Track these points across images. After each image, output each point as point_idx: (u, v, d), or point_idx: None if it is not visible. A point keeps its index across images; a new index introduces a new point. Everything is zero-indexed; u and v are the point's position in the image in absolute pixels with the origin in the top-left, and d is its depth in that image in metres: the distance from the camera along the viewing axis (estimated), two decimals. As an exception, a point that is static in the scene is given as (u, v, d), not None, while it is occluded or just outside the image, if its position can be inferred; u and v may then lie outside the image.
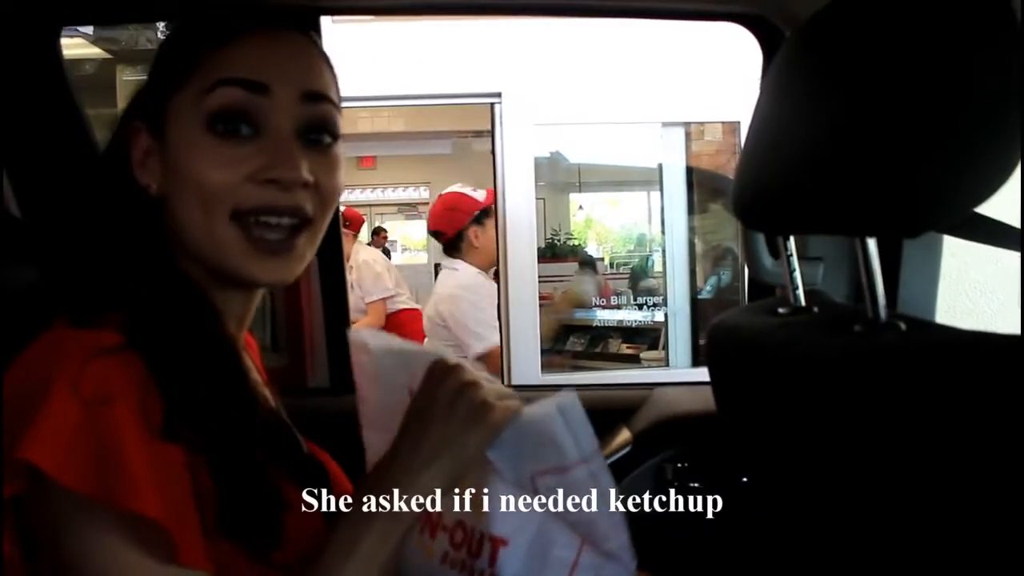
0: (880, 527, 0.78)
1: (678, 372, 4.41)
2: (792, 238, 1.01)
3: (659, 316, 4.77)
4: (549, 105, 3.50)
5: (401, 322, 4.23)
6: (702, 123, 4.24)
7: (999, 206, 0.76)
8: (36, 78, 1.39)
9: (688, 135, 4.63)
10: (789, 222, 0.92)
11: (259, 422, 0.76)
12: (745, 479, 1.47)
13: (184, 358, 0.70)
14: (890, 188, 0.71)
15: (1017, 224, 0.92)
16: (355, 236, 4.58)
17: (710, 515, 1.48)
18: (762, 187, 0.92)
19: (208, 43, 0.78)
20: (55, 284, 0.78)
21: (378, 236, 8.50)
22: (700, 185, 4.68)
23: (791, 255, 1.01)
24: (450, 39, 3.58)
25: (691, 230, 4.86)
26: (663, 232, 4.86)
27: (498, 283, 3.44)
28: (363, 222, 5.37)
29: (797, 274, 1.02)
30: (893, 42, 0.71)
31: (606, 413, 1.58)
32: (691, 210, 4.91)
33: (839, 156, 0.73)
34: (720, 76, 3.49)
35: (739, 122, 3.71)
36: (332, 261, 1.58)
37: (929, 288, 1.40)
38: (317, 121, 0.79)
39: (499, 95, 3.47)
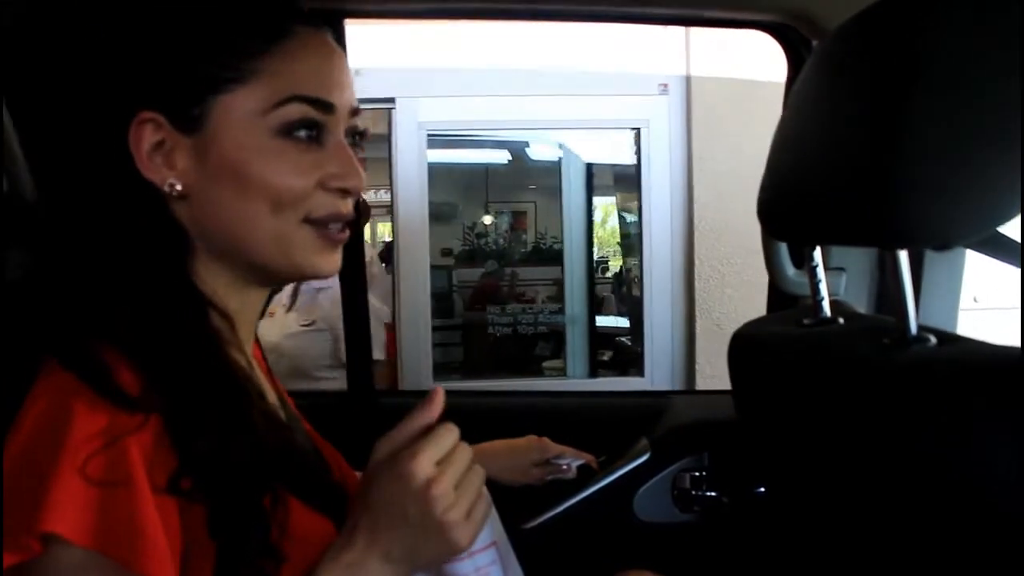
0: (906, 540, 0.78)
1: (575, 383, 4.41)
2: (818, 248, 1.00)
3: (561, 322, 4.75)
4: (441, 111, 3.56)
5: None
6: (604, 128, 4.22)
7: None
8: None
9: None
10: (817, 232, 0.91)
11: (269, 463, 0.73)
12: (764, 489, 1.46)
13: (204, 415, 0.69)
14: (922, 201, 0.70)
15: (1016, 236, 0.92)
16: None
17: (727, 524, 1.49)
18: (789, 197, 0.91)
19: (258, 39, 0.75)
20: (51, 303, 0.72)
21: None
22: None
23: (817, 265, 1.01)
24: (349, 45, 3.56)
25: (590, 232, 4.87)
26: (561, 234, 4.85)
27: (393, 289, 3.51)
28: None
29: (823, 284, 1.01)
30: (923, 53, 0.70)
31: (623, 421, 1.59)
32: (591, 213, 4.90)
33: (869, 167, 0.72)
34: (620, 82, 3.56)
35: (639, 129, 3.72)
36: (352, 264, 1.58)
37: (951, 301, 1.39)
38: (356, 130, 0.83)
39: (392, 101, 3.51)
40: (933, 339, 0.77)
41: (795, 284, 1.35)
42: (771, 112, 3.73)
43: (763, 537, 1.49)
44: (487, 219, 5.55)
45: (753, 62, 3.27)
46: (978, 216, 0.71)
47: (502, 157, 5.31)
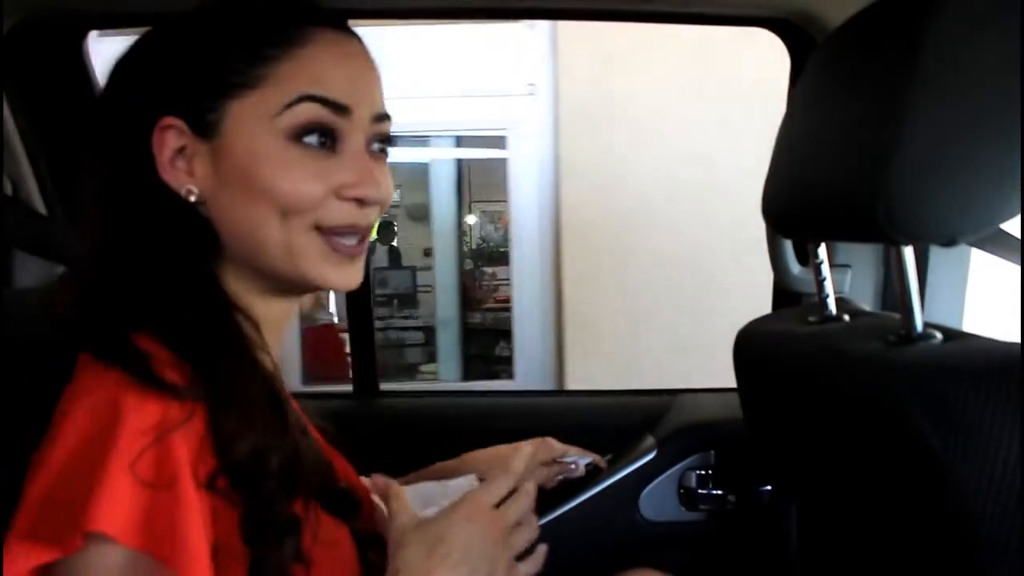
0: (910, 537, 0.77)
1: (448, 387, 4.41)
2: (823, 245, 1.00)
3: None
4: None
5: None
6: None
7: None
8: (63, 81, 1.41)
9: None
10: (821, 229, 0.91)
11: (302, 468, 0.75)
12: (769, 487, 1.46)
13: (247, 411, 0.70)
14: (926, 196, 0.70)
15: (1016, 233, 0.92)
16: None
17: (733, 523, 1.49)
18: (794, 194, 0.91)
19: (272, 44, 0.75)
20: (85, 302, 0.73)
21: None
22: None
23: (822, 262, 1.00)
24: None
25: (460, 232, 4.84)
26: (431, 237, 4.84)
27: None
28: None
29: (828, 282, 1.01)
30: (925, 50, 0.70)
31: (628, 420, 1.58)
32: (461, 211, 4.86)
33: (873, 163, 0.72)
34: (487, 84, 3.56)
35: (504, 136, 3.74)
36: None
37: (956, 297, 1.39)
38: (381, 136, 0.81)
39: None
40: (939, 336, 0.77)
41: (800, 281, 1.35)
42: (643, 111, 3.74)
43: (769, 536, 1.49)
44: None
45: (627, 60, 3.32)
46: (981, 212, 0.71)
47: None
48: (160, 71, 0.76)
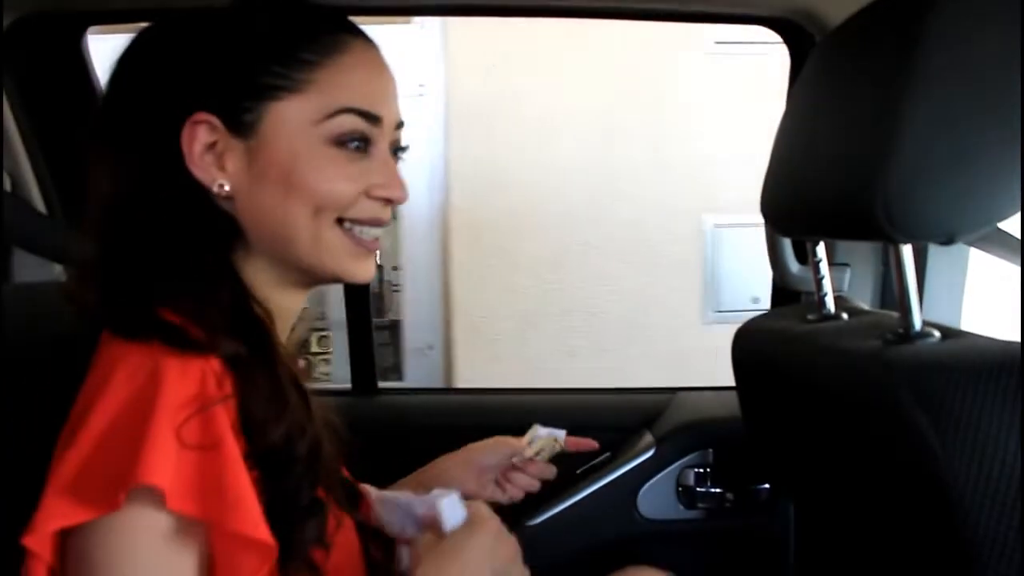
0: (909, 534, 0.78)
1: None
2: (822, 243, 1.00)
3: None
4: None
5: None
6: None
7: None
8: (63, 78, 1.41)
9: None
10: (820, 227, 0.91)
11: (322, 457, 0.78)
12: (767, 485, 1.46)
13: (279, 400, 0.73)
14: (925, 195, 0.70)
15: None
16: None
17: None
18: (793, 192, 0.91)
19: (310, 50, 0.78)
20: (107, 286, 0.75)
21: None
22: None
23: (820, 261, 1.00)
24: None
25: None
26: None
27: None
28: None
29: (827, 280, 1.01)
30: (925, 49, 0.70)
31: (629, 416, 1.58)
32: None
33: (872, 162, 0.72)
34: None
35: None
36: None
37: (954, 296, 1.39)
38: (399, 142, 0.86)
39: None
40: (937, 334, 0.77)
41: (799, 280, 1.35)
42: (534, 112, 3.74)
43: (767, 534, 1.49)
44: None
45: (518, 61, 3.31)
46: (979, 211, 0.71)
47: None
48: (194, 67, 0.78)
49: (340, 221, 0.80)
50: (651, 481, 1.47)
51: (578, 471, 1.51)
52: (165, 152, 0.76)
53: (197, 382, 0.67)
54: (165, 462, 0.63)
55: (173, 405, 0.65)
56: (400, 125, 0.85)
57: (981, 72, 0.70)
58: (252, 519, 0.66)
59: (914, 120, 0.69)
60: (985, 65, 0.70)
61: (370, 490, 0.97)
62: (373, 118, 0.80)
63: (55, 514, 0.62)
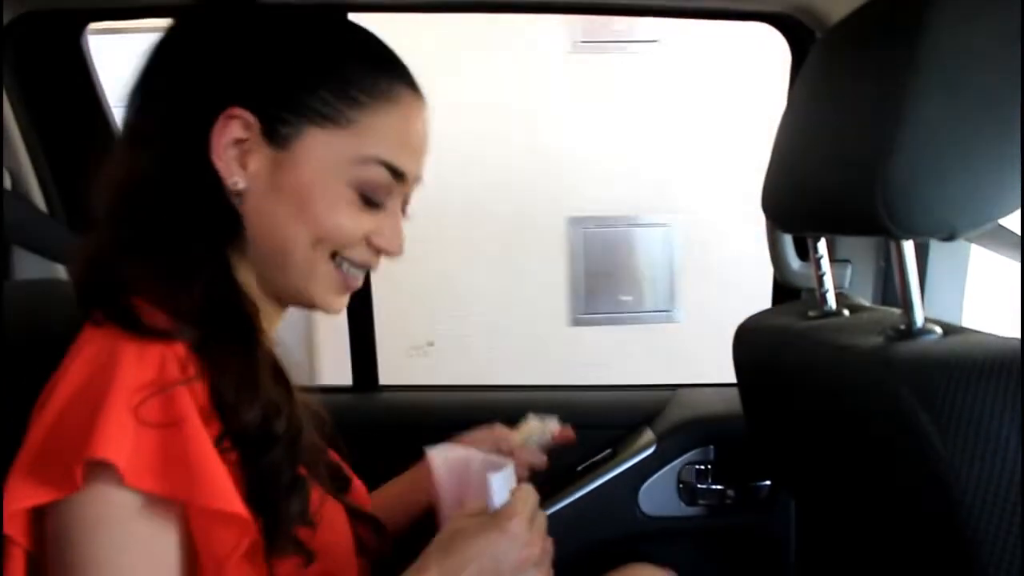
0: (909, 531, 0.78)
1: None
2: (823, 240, 1.00)
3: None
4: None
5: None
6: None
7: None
8: (63, 75, 1.41)
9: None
10: (821, 224, 0.91)
11: (301, 438, 0.78)
12: (768, 482, 1.46)
13: (251, 382, 0.73)
14: (926, 191, 0.70)
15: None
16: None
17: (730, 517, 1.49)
18: (794, 188, 0.91)
19: (364, 90, 0.78)
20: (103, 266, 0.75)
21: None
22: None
23: (821, 257, 1.00)
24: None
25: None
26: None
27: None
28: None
29: (828, 276, 1.01)
30: (925, 45, 0.70)
31: (629, 413, 1.58)
32: None
33: (873, 157, 0.72)
34: None
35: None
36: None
37: (955, 292, 1.39)
38: (410, 196, 0.87)
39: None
40: (939, 331, 0.77)
41: (799, 277, 1.35)
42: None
43: (768, 531, 1.49)
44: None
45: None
46: (980, 207, 0.71)
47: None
48: (245, 61, 0.77)
49: (334, 255, 0.81)
50: (652, 478, 1.47)
51: (579, 468, 1.52)
52: (192, 138, 0.75)
53: (155, 367, 0.67)
54: (121, 438, 0.62)
55: (129, 387, 0.64)
56: (418, 179, 0.86)
57: (981, 68, 0.70)
58: (223, 494, 0.65)
59: (915, 116, 0.69)
60: (985, 61, 0.70)
61: (436, 452, 0.98)
62: (399, 174, 0.81)
63: (18, 495, 0.62)
